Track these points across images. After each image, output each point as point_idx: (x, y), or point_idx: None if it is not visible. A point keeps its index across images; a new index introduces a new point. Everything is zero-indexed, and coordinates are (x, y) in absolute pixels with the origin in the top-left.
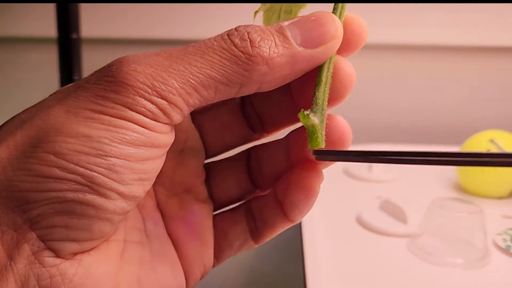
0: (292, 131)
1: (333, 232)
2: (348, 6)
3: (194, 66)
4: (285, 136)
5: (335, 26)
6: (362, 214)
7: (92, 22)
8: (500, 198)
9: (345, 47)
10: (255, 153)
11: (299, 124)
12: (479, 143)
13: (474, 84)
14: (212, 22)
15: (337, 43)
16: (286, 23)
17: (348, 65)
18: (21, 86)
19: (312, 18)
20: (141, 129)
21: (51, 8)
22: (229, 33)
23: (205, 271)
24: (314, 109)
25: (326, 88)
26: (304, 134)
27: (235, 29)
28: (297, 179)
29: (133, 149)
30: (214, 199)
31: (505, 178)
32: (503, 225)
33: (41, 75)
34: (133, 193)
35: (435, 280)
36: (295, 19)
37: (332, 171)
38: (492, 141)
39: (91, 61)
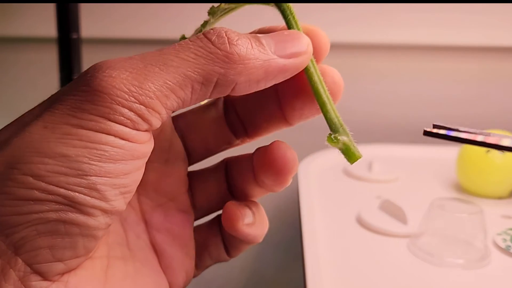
0: (255, 152)
1: (333, 232)
2: (348, 6)
3: (170, 66)
4: (252, 154)
5: (306, 41)
6: (362, 214)
7: (92, 22)
8: (500, 198)
9: (316, 55)
10: (230, 170)
11: (281, 127)
12: None
13: (474, 84)
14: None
15: (308, 57)
16: (259, 35)
17: (335, 74)
18: (21, 86)
19: (285, 33)
20: (121, 142)
21: (51, 8)
22: (205, 33)
23: (187, 280)
24: (335, 129)
25: (332, 105)
26: (261, 152)
27: (211, 29)
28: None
29: (113, 165)
30: (196, 208)
31: (505, 178)
32: (503, 225)
33: (41, 75)
34: (115, 208)
35: (435, 280)
36: (268, 34)
37: (332, 171)
38: None
39: (91, 61)
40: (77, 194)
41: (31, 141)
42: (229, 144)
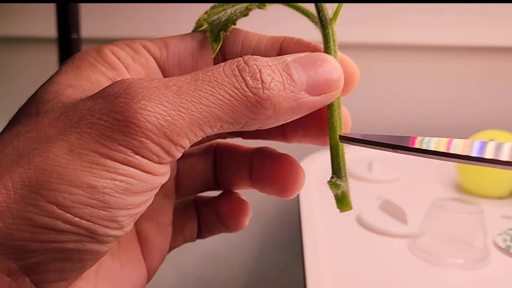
0: (255, 152)
1: (333, 232)
2: (348, 6)
3: (204, 105)
4: (250, 155)
5: (339, 75)
6: (362, 214)
7: (92, 22)
8: (500, 198)
9: (342, 89)
10: (219, 157)
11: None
12: None
13: (474, 84)
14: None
15: (339, 92)
16: (290, 58)
17: (352, 64)
18: (21, 86)
19: (318, 62)
20: (146, 176)
21: (51, 8)
22: (239, 68)
23: (161, 261)
24: (339, 175)
25: (343, 149)
26: (267, 159)
27: (245, 62)
28: (229, 208)
29: (135, 198)
30: (181, 191)
31: (505, 178)
32: (503, 225)
33: (41, 75)
34: (126, 231)
35: (435, 280)
36: (300, 56)
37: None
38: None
39: None
40: (98, 226)
41: (56, 165)
42: (210, 190)
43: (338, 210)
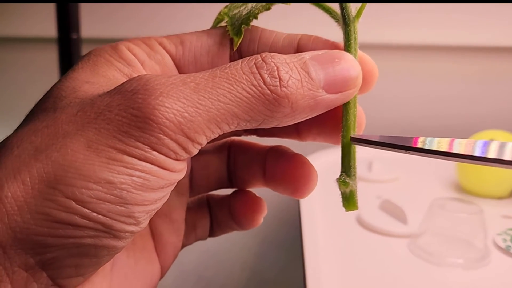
0: (269, 151)
1: (333, 232)
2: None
3: (222, 102)
4: (264, 154)
5: (357, 73)
6: (362, 214)
7: (92, 22)
8: (500, 198)
9: (360, 87)
10: (233, 155)
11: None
12: None
13: (474, 84)
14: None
15: (357, 90)
16: (308, 56)
17: (371, 62)
18: (21, 86)
19: (336, 60)
20: (163, 172)
21: (51, 8)
22: (257, 65)
23: (174, 259)
24: (349, 173)
25: (355, 149)
26: (281, 159)
27: (263, 60)
28: (244, 205)
29: (152, 194)
30: (195, 188)
31: (505, 178)
32: (503, 225)
33: (41, 75)
34: (142, 227)
35: (435, 280)
36: (318, 54)
37: (332, 171)
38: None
39: None
40: (115, 221)
41: (74, 161)
42: (223, 187)
43: (343, 209)
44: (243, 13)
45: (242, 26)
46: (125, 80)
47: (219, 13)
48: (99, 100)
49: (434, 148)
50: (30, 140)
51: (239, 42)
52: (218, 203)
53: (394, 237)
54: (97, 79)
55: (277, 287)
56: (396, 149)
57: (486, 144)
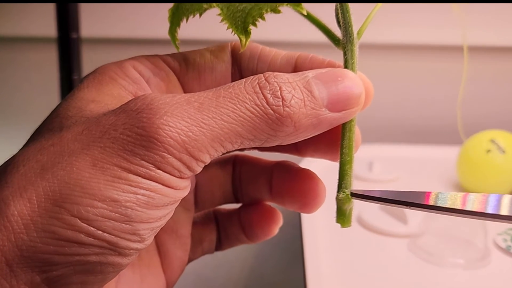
0: (275, 166)
1: (333, 232)
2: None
3: (225, 122)
4: (270, 169)
5: (360, 91)
6: (362, 214)
7: (92, 22)
8: None
9: None
10: (239, 169)
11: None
12: (479, 143)
13: (474, 84)
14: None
15: (360, 108)
16: (311, 74)
17: (367, 81)
18: (21, 86)
19: (339, 78)
20: (167, 190)
21: (51, 8)
22: (260, 85)
23: (181, 273)
24: (347, 191)
25: (352, 165)
26: (288, 174)
27: (266, 79)
28: (260, 216)
29: (157, 211)
30: (199, 204)
31: (505, 178)
32: (503, 225)
33: (41, 75)
34: (147, 244)
35: (436, 280)
36: (321, 72)
37: (332, 171)
38: (492, 141)
39: (91, 61)
40: (119, 239)
41: (79, 179)
42: (229, 202)
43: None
44: (247, 9)
45: (249, 26)
46: (131, 97)
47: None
48: (104, 119)
49: (446, 205)
50: (36, 158)
51: (247, 42)
52: (227, 217)
53: (394, 237)
54: (102, 97)
55: (277, 287)
56: (399, 206)
57: (499, 200)
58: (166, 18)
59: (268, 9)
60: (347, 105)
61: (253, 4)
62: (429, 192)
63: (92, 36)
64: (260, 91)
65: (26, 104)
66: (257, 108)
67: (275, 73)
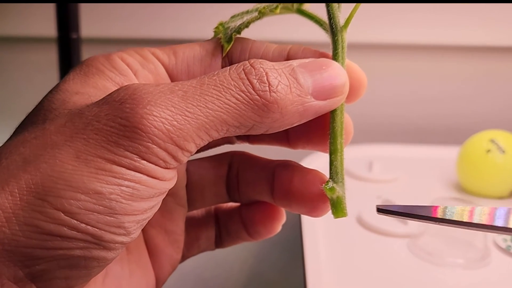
0: (277, 166)
1: (333, 232)
2: (348, 6)
3: (210, 109)
4: (271, 169)
5: (343, 81)
6: (362, 214)
7: (92, 22)
8: (500, 198)
9: (349, 95)
10: (236, 169)
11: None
12: (479, 143)
13: (474, 84)
14: (213, 22)
15: (344, 97)
16: (295, 63)
17: (359, 71)
18: (21, 86)
19: (323, 67)
20: (152, 181)
21: (51, 8)
22: (246, 71)
23: (171, 272)
24: (336, 179)
25: (342, 155)
26: (295, 175)
27: (252, 65)
28: (262, 214)
29: (142, 203)
30: (190, 202)
31: (505, 178)
32: None
33: (41, 75)
34: (133, 237)
35: (436, 280)
36: (305, 62)
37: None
38: (492, 141)
39: None
40: (104, 232)
41: (63, 171)
42: (222, 202)
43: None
44: (237, 25)
45: (233, 34)
46: (116, 89)
47: (216, 27)
48: (87, 110)
49: (454, 218)
50: (19, 151)
51: (229, 48)
52: (228, 214)
53: (394, 237)
54: (87, 89)
55: (277, 287)
56: (421, 220)
57: (507, 213)
58: (166, 18)
59: (254, 19)
60: (331, 94)
61: (243, 21)
62: (436, 206)
63: (92, 36)
64: (245, 77)
65: (26, 104)
66: (243, 94)
67: (261, 60)
